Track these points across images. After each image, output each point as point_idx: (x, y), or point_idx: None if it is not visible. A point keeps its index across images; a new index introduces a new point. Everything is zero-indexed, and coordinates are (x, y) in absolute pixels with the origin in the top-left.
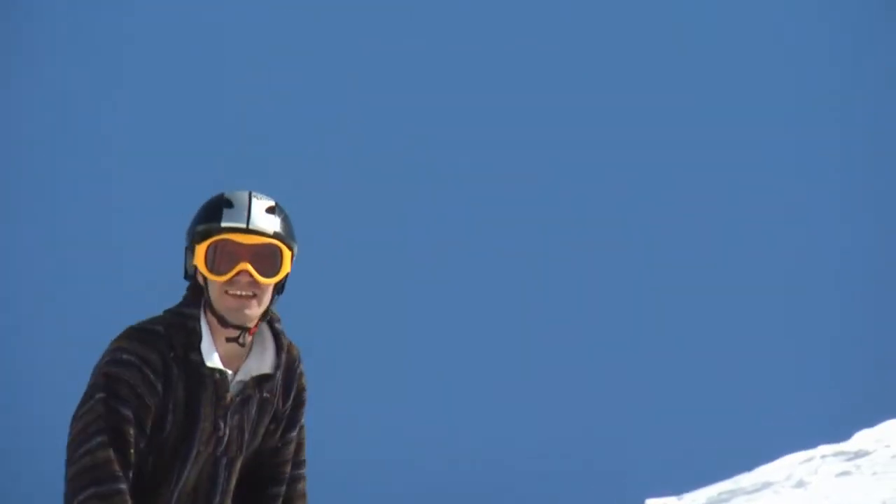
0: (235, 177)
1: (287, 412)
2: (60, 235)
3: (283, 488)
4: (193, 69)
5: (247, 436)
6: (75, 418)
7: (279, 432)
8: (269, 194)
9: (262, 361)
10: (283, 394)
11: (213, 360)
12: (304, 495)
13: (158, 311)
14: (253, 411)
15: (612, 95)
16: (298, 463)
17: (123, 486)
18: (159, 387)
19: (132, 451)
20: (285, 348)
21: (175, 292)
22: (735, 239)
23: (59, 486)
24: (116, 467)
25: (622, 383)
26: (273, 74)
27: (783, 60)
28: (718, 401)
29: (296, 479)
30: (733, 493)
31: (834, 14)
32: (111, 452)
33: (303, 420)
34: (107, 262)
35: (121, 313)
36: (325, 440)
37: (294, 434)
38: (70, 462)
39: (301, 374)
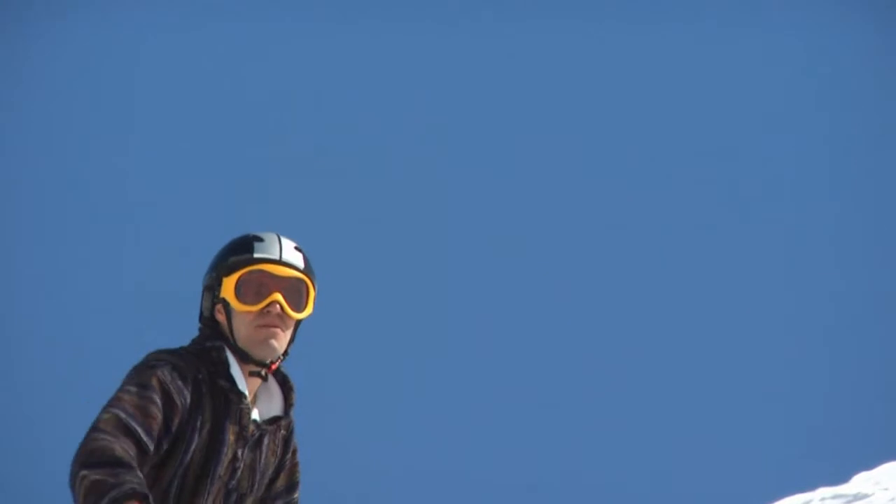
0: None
1: (286, 467)
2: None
3: None
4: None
5: (257, 477)
6: (106, 406)
7: (278, 488)
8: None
9: (271, 404)
10: (283, 445)
11: (243, 385)
12: None
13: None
14: (266, 457)
15: (613, 96)
16: None
17: (136, 469)
18: (187, 393)
19: (154, 431)
20: (294, 390)
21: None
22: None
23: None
24: (132, 453)
25: (617, 429)
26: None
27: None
28: (716, 442)
29: None
30: None
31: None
32: (130, 440)
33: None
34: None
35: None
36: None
37: (296, 496)
38: (85, 440)
39: (294, 431)
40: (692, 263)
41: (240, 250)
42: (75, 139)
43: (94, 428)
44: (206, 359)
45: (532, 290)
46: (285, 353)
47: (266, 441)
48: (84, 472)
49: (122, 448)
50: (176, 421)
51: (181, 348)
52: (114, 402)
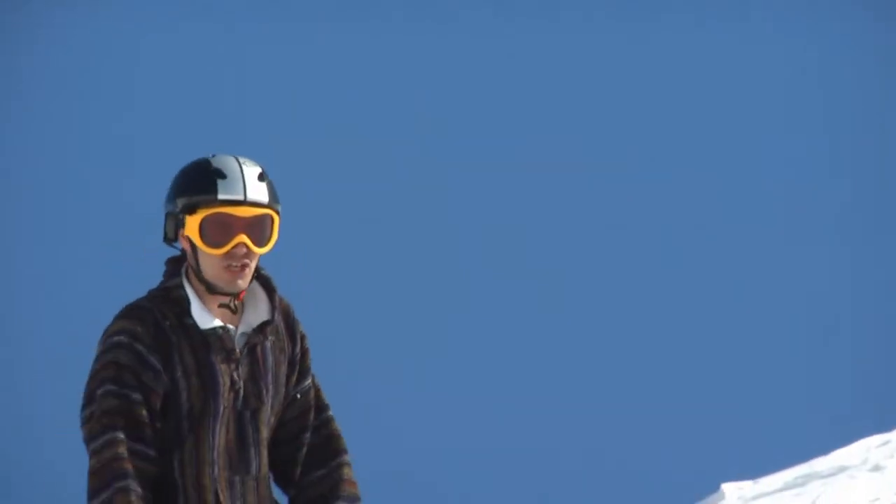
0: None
1: (298, 358)
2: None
3: (309, 435)
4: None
5: (264, 386)
6: (82, 413)
7: (294, 379)
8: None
9: (258, 310)
10: (289, 339)
11: (208, 321)
12: (339, 434)
13: None
14: (269, 360)
15: (614, 98)
16: (322, 406)
17: (126, 482)
18: (153, 360)
19: (148, 431)
20: (277, 290)
21: None
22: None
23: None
24: (123, 464)
25: (699, 368)
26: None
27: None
28: (794, 384)
29: (326, 420)
30: (809, 478)
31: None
32: (116, 449)
33: (311, 367)
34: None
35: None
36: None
37: (309, 383)
38: (89, 463)
39: (298, 321)
40: (697, 261)
41: (202, 188)
42: (72, 140)
43: (89, 452)
44: (168, 300)
45: (532, 289)
46: (255, 272)
47: (262, 348)
48: None
49: (115, 466)
50: (156, 399)
51: (145, 297)
52: (95, 412)
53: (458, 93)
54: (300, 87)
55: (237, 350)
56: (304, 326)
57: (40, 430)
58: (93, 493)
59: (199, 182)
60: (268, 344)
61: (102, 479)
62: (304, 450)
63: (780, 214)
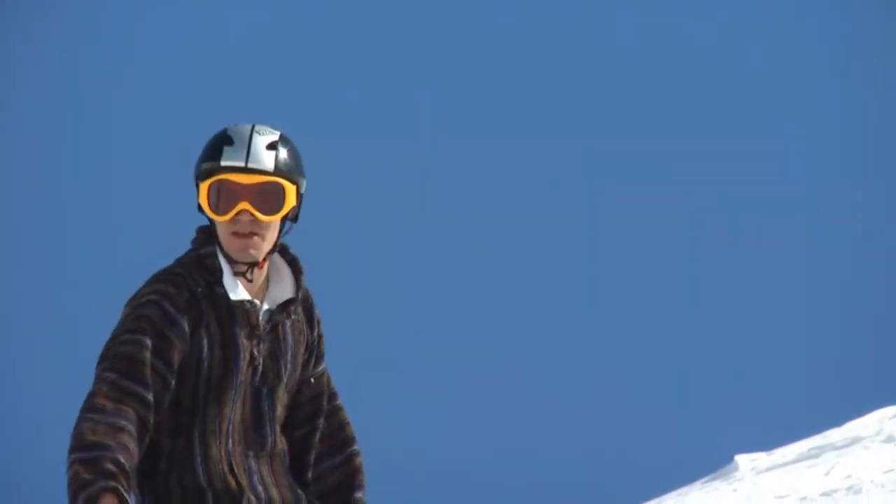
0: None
1: (315, 342)
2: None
3: (322, 420)
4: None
5: (283, 364)
6: (97, 370)
7: (311, 363)
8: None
9: (282, 288)
10: (307, 321)
11: (238, 293)
12: (349, 421)
13: None
14: (289, 339)
15: (614, 98)
16: (333, 393)
17: (116, 419)
18: (182, 322)
19: (148, 374)
20: (303, 270)
21: None
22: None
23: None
24: (113, 404)
25: (714, 341)
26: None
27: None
28: (807, 355)
29: (337, 408)
30: (823, 449)
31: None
32: (118, 389)
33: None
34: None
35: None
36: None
37: (324, 367)
38: (77, 421)
39: (315, 305)
40: (714, 237)
41: (211, 155)
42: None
43: (86, 405)
44: (202, 267)
45: (530, 289)
46: (274, 246)
47: (283, 326)
48: (70, 458)
49: (108, 425)
50: (176, 354)
51: (179, 261)
52: (102, 362)
53: (458, 93)
54: (301, 88)
55: (261, 326)
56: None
57: (40, 430)
58: (78, 447)
59: (210, 149)
60: (288, 323)
61: (86, 408)
62: (318, 434)
63: (803, 196)
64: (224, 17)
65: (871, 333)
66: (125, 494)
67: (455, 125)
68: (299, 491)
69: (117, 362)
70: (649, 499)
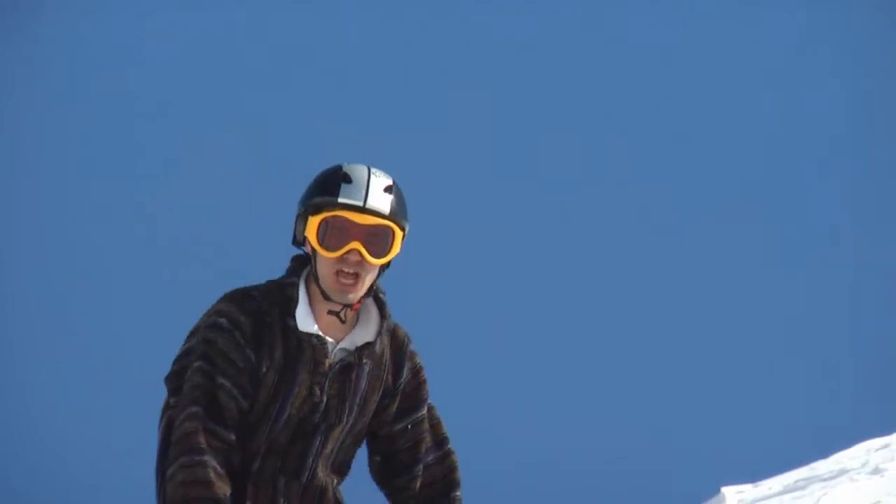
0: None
1: (401, 390)
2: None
3: (422, 468)
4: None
5: (349, 406)
6: (170, 379)
7: (394, 410)
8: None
9: (366, 331)
10: (393, 371)
11: (308, 326)
12: (455, 467)
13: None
14: (363, 382)
15: (613, 97)
16: (441, 440)
17: (206, 457)
18: (249, 351)
19: (228, 415)
20: (388, 316)
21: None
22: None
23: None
24: (201, 439)
25: (699, 370)
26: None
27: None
28: (793, 387)
29: (445, 455)
30: (809, 480)
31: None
32: (198, 423)
33: (428, 400)
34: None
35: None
36: None
37: (422, 414)
38: (164, 434)
39: (413, 353)
40: (697, 262)
41: (326, 190)
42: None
43: (182, 441)
44: (278, 296)
45: (530, 291)
46: (370, 289)
47: (358, 369)
48: (169, 473)
49: (194, 439)
50: (245, 382)
51: (259, 287)
52: (181, 387)
53: (457, 91)
54: (299, 86)
55: (327, 364)
56: (420, 358)
57: (40, 430)
58: (171, 459)
59: (326, 184)
60: (365, 367)
61: (183, 448)
62: (419, 482)
63: (781, 215)
64: (224, 17)
65: (858, 365)
66: None
67: (454, 125)
68: None
69: (198, 395)
70: None
